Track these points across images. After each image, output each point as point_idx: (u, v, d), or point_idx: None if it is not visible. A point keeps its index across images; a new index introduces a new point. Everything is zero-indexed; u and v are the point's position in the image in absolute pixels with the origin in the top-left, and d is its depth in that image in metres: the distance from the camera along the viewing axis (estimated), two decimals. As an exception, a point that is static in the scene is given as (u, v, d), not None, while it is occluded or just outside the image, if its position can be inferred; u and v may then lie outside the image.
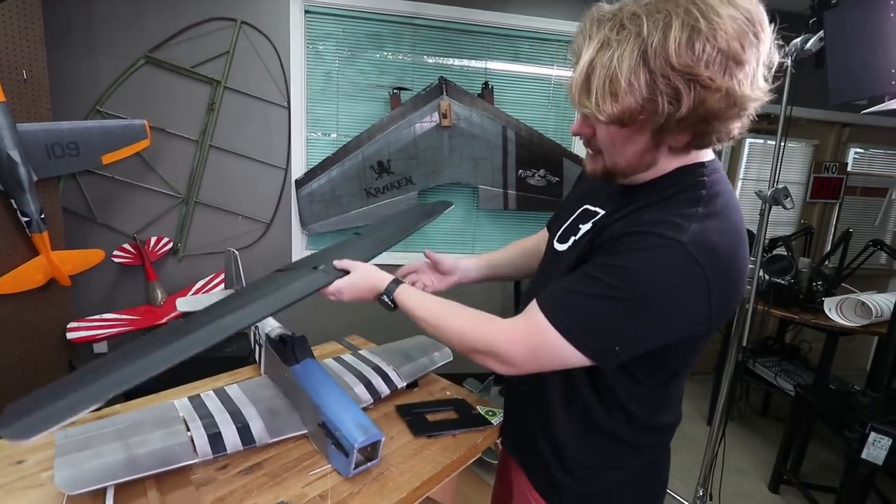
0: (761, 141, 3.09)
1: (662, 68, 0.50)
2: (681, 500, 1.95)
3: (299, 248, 2.55)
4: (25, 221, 1.76)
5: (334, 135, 2.54)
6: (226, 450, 0.81)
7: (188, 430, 0.82)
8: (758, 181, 3.14)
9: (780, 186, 1.49)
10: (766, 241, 1.66)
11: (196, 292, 2.30)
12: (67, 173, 2.08)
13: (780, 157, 1.58)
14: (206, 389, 1.04)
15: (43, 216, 1.79)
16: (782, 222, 3.21)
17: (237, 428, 0.84)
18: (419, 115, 2.45)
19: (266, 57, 2.33)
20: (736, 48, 0.50)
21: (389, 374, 1.08)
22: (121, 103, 2.21)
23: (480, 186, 2.61)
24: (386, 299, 0.83)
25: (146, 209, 2.33)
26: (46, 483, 0.75)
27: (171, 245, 2.35)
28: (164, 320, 2.17)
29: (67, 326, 1.97)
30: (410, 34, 2.49)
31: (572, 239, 0.73)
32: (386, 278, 0.85)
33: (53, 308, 1.93)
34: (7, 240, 1.75)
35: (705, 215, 0.58)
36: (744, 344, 1.79)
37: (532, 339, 0.63)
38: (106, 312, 2.10)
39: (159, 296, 2.24)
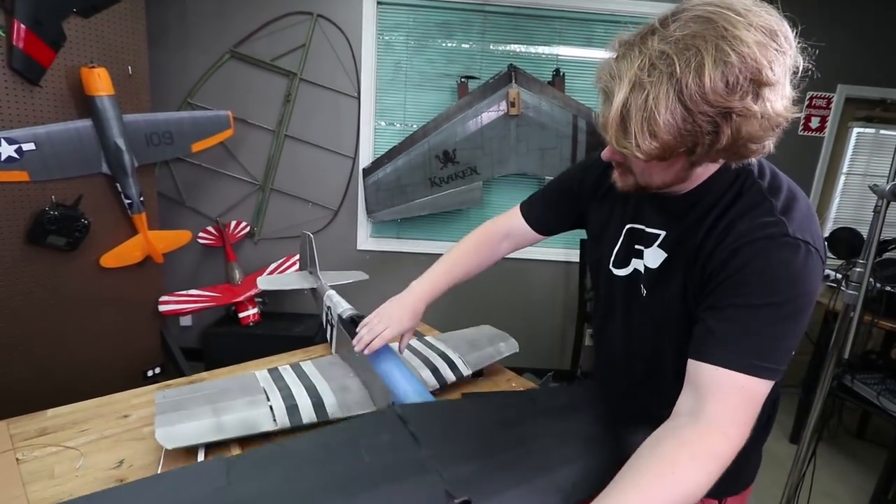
0: (872, 131, 2.73)
1: (699, 106, 0.50)
2: (759, 521, 1.80)
3: (364, 235, 2.61)
4: (128, 203, 1.94)
5: (401, 124, 2.57)
6: (301, 420, 0.85)
7: (268, 399, 0.87)
8: (865, 176, 2.78)
9: (902, 180, 1.29)
10: (878, 243, 1.46)
11: (270, 273, 2.43)
12: (163, 160, 2.26)
13: (902, 147, 1.37)
14: (283, 363, 1.09)
15: (142, 199, 1.97)
16: (895, 223, 2.83)
17: (312, 402, 0.89)
18: (486, 104, 2.41)
19: (339, 49, 2.40)
20: (767, 73, 0.50)
21: (455, 362, 1.08)
22: (208, 95, 2.38)
23: (547, 178, 2.53)
24: None
25: (228, 195, 2.49)
26: (147, 437, 0.83)
27: (248, 229, 2.51)
28: (241, 298, 2.31)
29: (159, 300, 2.16)
30: (480, 21, 2.45)
31: (637, 266, 0.73)
32: None
33: (148, 283, 2.13)
34: (113, 219, 1.94)
35: (782, 202, 0.60)
36: (845, 357, 1.59)
37: (754, 406, 0.58)
38: (192, 289, 2.28)
39: (237, 275, 2.40)
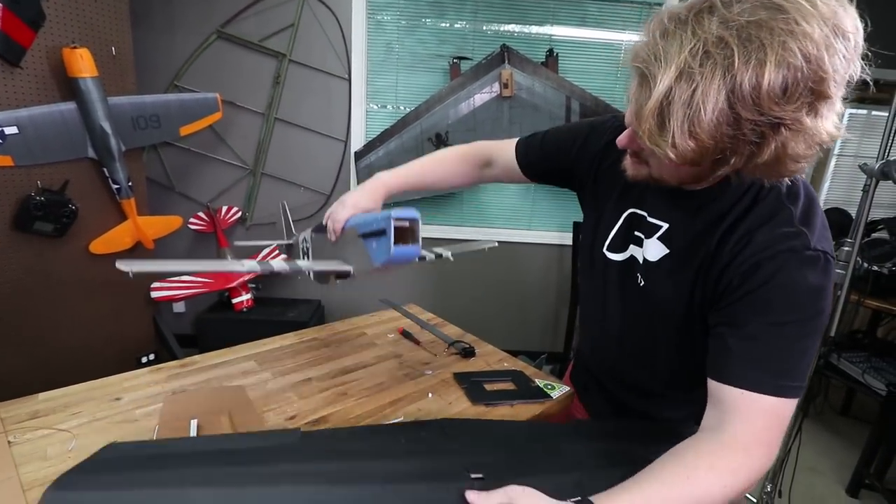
0: (864, 112, 2.73)
1: (749, 111, 0.44)
2: (748, 495, 1.85)
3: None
4: (115, 188, 1.91)
5: (393, 107, 2.54)
6: (272, 268, 0.83)
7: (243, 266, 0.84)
8: (857, 157, 2.80)
9: (892, 159, 1.30)
10: (866, 224, 1.47)
11: (264, 258, 2.42)
12: (150, 144, 2.22)
13: (893, 128, 1.38)
14: (274, 345, 1.09)
15: (130, 184, 1.94)
16: (884, 204, 2.86)
17: (288, 264, 0.87)
18: (479, 86, 2.38)
19: (329, 29, 2.35)
20: (829, 85, 0.43)
21: (435, 250, 1.06)
22: (195, 77, 2.33)
23: (540, 160, 2.52)
24: None
25: (218, 179, 2.46)
26: (140, 419, 0.83)
27: (239, 214, 2.48)
28: (234, 284, 2.31)
29: (151, 286, 2.15)
30: (472, 1, 2.41)
31: (635, 253, 0.71)
32: None
33: (139, 269, 2.11)
34: (101, 205, 1.91)
35: (801, 209, 0.57)
36: (831, 335, 1.62)
37: (780, 427, 0.56)
38: (184, 275, 2.26)
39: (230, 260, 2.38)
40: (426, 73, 2.49)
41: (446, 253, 1.07)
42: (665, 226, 0.66)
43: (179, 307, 2.59)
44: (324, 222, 0.90)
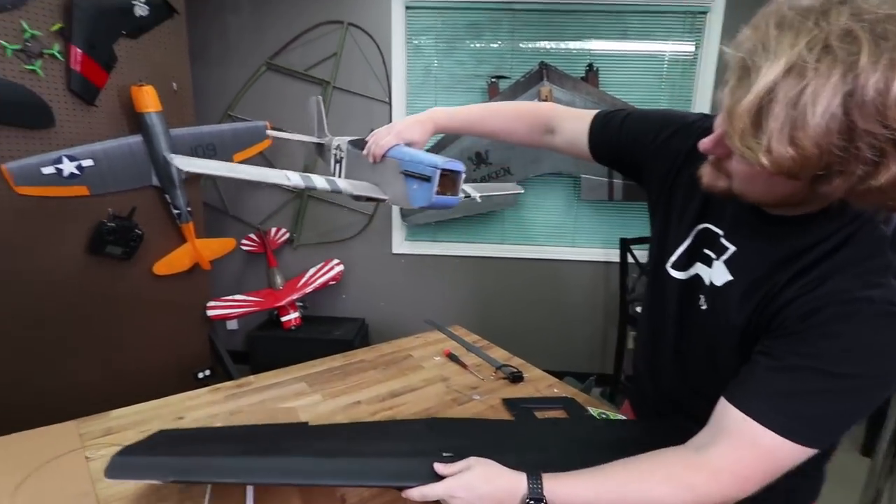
0: None
1: (869, 121, 0.37)
2: None
3: (399, 239, 2.64)
4: (176, 213, 2.04)
5: (433, 127, 2.57)
6: (314, 184, 0.85)
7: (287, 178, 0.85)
8: None
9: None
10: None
11: (309, 279, 2.49)
12: None
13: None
14: (323, 367, 1.12)
15: (189, 209, 2.06)
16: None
17: (326, 181, 0.87)
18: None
19: (370, 55, 2.43)
20: None
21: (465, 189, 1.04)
22: (247, 107, 2.47)
23: (583, 176, 2.48)
24: None
25: (268, 203, 2.58)
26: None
27: (287, 235, 2.58)
28: (282, 302, 2.38)
29: (207, 305, 2.25)
30: (509, 20, 2.43)
31: (701, 273, 0.65)
32: (519, 481, 0.57)
33: (196, 289, 2.22)
34: (163, 229, 2.04)
35: None
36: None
37: (767, 466, 0.51)
38: (237, 294, 2.37)
39: (279, 280, 2.47)
40: (465, 94, 2.52)
41: (474, 193, 1.06)
42: (732, 249, 0.61)
43: (233, 325, 2.70)
44: (366, 139, 0.89)
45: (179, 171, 1.99)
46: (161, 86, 1.94)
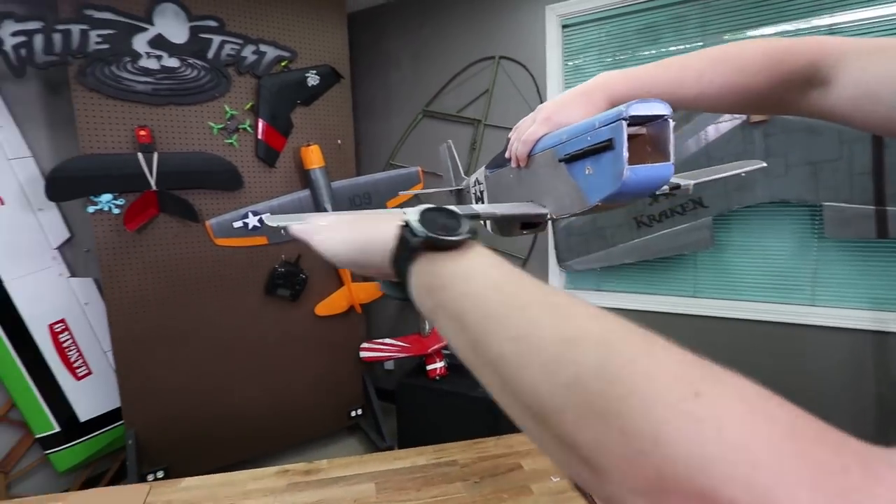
0: None
1: None
2: None
3: (557, 287, 2.28)
4: (334, 259, 2.18)
5: (597, 156, 2.18)
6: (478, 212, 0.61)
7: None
8: None
9: None
10: None
11: (455, 326, 2.35)
12: None
13: None
14: (402, 464, 0.90)
15: (346, 254, 2.19)
16: None
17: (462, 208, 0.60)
18: (714, 115, 1.81)
19: (522, 86, 2.23)
20: None
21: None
22: (406, 154, 2.55)
23: (826, 204, 1.69)
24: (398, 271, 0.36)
25: (422, 246, 2.58)
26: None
27: (439, 279, 2.52)
28: (427, 351, 2.30)
29: (361, 346, 2.33)
30: (698, 12, 1.90)
31: None
32: (392, 220, 0.37)
33: (353, 330, 2.33)
34: (324, 274, 2.21)
35: None
36: None
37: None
38: (387, 338, 2.39)
39: (427, 326, 2.41)
40: (638, 111, 2.06)
41: (686, 182, 0.65)
42: None
43: (390, 365, 2.76)
44: (508, 137, 0.64)
45: (337, 219, 2.13)
46: (328, 143, 2.14)
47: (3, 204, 1.75)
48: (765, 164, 0.74)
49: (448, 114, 2.41)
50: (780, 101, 0.51)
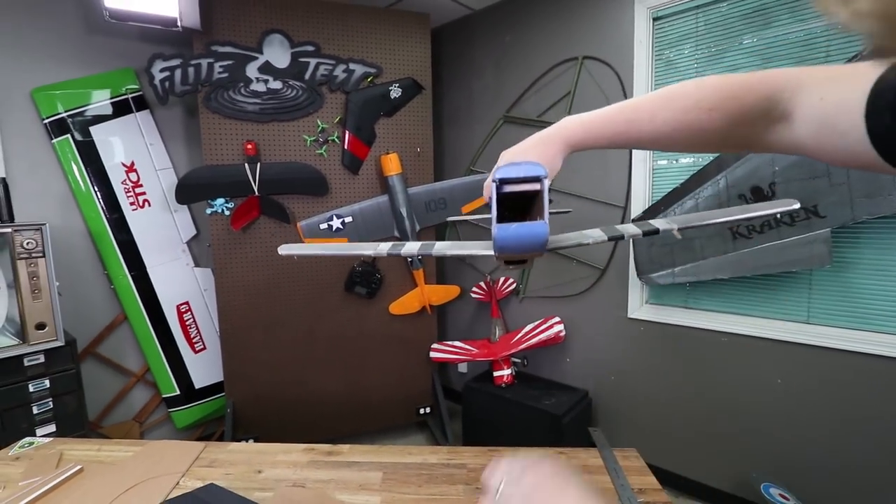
0: None
1: None
2: None
3: (637, 302, 2.10)
4: (409, 261, 2.29)
5: (689, 159, 1.97)
6: (399, 252, 0.69)
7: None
8: None
9: None
10: None
11: (526, 335, 2.30)
12: (437, 223, 2.55)
13: None
14: (410, 458, 0.94)
15: (420, 257, 2.28)
16: None
17: (419, 245, 0.70)
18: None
19: (606, 86, 2.11)
20: None
21: (652, 223, 0.63)
22: (486, 160, 2.57)
23: None
24: None
25: (497, 252, 2.57)
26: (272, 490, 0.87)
27: (514, 286, 2.49)
28: (497, 357, 2.28)
29: (431, 346, 2.41)
30: (822, -13, 1.60)
31: None
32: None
33: (424, 330, 2.42)
34: (400, 274, 2.33)
35: None
36: None
37: None
38: (457, 340, 2.43)
39: (497, 332, 2.40)
40: (740, 107, 1.81)
41: (667, 226, 0.60)
42: None
43: (463, 367, 2.80)
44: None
45: (412, 223, 2.24)
46: (408, 151, 2.26)
47: (150, 206, 2.18)
48: (797, 205, 0.61)
49: (528, 118, 2.37)
50: (745, 139, 0.49)
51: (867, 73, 0.38)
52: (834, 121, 0.40)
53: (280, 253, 0.79)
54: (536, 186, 0.46)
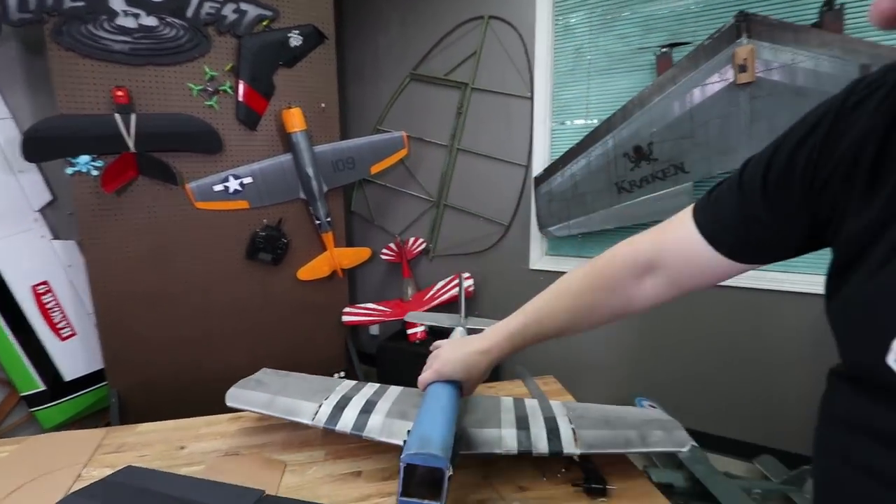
0: None
1: None
2: None
3: (539, 254, 2.28)
4: (317, 223, 2.19)
5: (582, 121, 2.14)
6: (335, 427, 0.77)
7: (325, 399, 0.83)
8: None
9: None
10: None
11: (436, 293, 2.38)
12: (347, 183, 2.46)
13: None
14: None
15: (329, 219, 2.19)
16: None
17: (357, 415, 0.78)
18: (700, 76, 1.76)
19: (511, 47, 2.17)
20: None
21: (560, 429, 0.72)
22: (393, 119, 2.52)
23: (806, 170, 1.66)
24: None
25: (407, 212, 2.58)
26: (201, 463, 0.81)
27: (424, 245, 2.53)
28: (404, 317, 2.33)
29: (343, 310, 2.37)
30: (693, -34, 1.82)
31: None
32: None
33: (334, 295, 2.36)
34: (307, 238, 2.23)
35: None
36: None
37: None
38: (370, 302, 2.43)
39: (409, 292, 2.44)
40: (625, 75, 2.01)
41: (571, 452, 0.69)
42: None
43: (374, 329, 2.81)
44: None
45: (320, 184, 2.13)
46: (311, 107, 2.11)
47: (-18, 164, 1.77)
48: (687, 448, 0.71)
49: (436, 77, 2.36)
50: (626, 300, 0.60)
51: (683, 212, 0.54)
52: (686, 248, 0.52)
53: (227, 403, 0.89)
54: (443, 474, 0.53)
